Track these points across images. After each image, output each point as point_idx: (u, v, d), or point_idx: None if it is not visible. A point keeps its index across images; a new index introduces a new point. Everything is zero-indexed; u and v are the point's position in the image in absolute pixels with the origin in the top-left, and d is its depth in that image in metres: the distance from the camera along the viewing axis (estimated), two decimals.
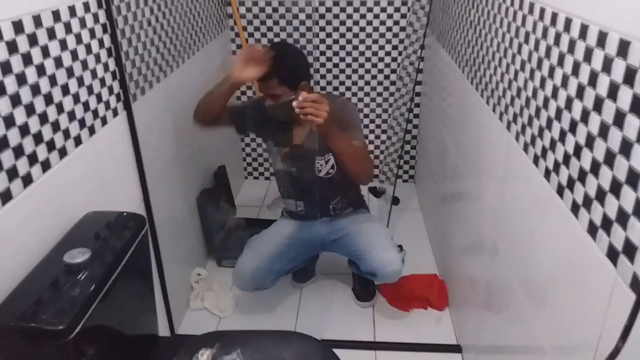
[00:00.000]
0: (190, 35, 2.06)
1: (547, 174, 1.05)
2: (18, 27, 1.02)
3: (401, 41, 2.58)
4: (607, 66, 0.83)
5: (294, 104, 1.47)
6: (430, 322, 1.95)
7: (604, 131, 0.83)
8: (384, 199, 2.66)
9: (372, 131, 2.82)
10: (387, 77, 2.68)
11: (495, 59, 1.41)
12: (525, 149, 1.18)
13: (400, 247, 1.86)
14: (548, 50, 1.05)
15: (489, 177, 1.50)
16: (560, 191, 0.99)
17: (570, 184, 0.95)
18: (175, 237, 1.91)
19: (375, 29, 2.57)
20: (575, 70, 0.94)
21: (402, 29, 2.56)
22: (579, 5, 0.93)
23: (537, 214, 1.13)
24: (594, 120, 0.86)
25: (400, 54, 2.61)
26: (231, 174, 2.55)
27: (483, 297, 1.54)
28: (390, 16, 2.53)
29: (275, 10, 2.56)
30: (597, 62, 0.86)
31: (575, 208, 0.93)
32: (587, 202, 0.88)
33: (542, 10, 1.10)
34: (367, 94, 2.73)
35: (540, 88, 1.10)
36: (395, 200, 2.54)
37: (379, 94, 2.73)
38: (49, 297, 0.98)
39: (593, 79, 0.87)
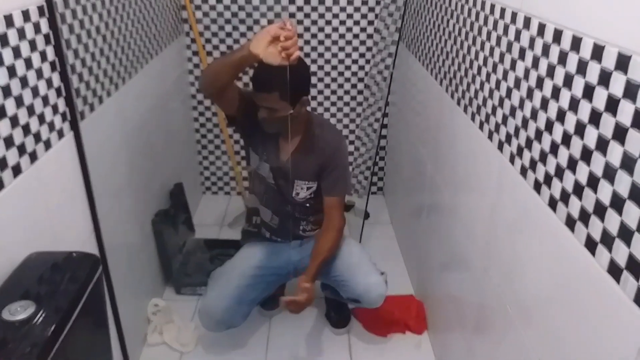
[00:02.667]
0: (144, 42, 1.88)
1: (537, 187, 1.01)
2: None
3: (369, 49, 2.49)
4: (604, 79, 0.78)
5: None
6: (409, 348, 1.86)
7: (602, 145, 0.80)
8: (353, 213, 2.56)
9: None
10: (354, 86, 2.58)
11: (482, 73, 1.33)
12: (512, 160, 1.14)
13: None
14: (536, 61, 1.00)
15: (470, 191, 1.43)
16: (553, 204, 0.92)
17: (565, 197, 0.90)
18: (129, 266, 1.73)
19: (342, 36, 2.47)
20: (568, 83, 0.89)
21: (370, 36, 2.46)
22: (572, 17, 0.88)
23: (529, 230, 1.07)
24: (591, 134, 0.82)
25: (367, 62, 2.52)
26: (188, 190, 2.38)
27: (470, 319, 1.46)
28: (357, 23, 2.44)
29: (234, 15, 2.41)
30: (593, 75, 0.82)
31: (570, 222, 0.89)
32: (584, 217, 0.84)
33: (528, 20, 1.05)
34: (333, 104, 2.62)
35: (528, 98, 1.06)
36: (365, 215, 2.44)
37: (346, 104, 2.62)
38: None
39: (588, 92, 0.83)
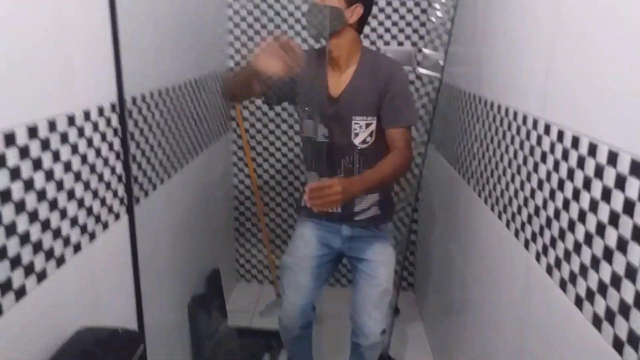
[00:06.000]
0: (196, 137, 2.06)
1: (563, 285, 1.04)
2: (32, 132, 0.99)
3: None
4: (620, 183, 0.85)
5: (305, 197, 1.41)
6: None
7: (622, 245, 0.84)
8: None
9: None
10: None
11: (507, 175, 1.40)
12: (538, 258, 1.17)
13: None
14: (571, 173, 1.05)
15: (499, 289, 1.45)
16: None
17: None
18: (164, 347, 1.76)
19: None
20: (587, 185, 0.95)
21: None
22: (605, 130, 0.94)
23: (558, 329, 1.07)
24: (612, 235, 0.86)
25: None
26: (223, 275, 2.44)
27: None
28: None
29: (277, 114, 2.62)
30: (610, 179, 0.88)
31: (597, 321, 0.90)
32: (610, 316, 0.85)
33: (548, 127, 1.13)
34: None
35: (551, 199, 1.12)
36: (395, 310, 2.43)
37: None
38: None
39: (606, 195, 0.89)
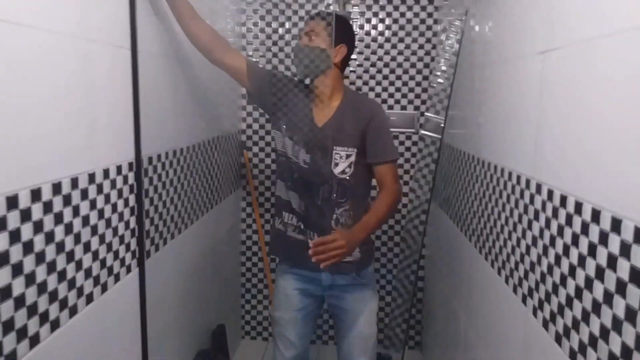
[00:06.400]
0: (207, 194, 2.14)
1: (558, 339, 1.03)
2: (57, 189, 1.07)
3: (404, 206, 2.69)
4: (603, 239, 0.91)
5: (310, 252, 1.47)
6: None
7: (608, 298, 0.88)
8: None
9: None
10: (390, 238, 2.74)
11: (505, 232, 1.46)
12: (535, 313, 1.20)
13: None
14: (561, 230, 1.10)
15: (501, 346, 1.45)
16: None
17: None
18: None
19: None
20: (575, 241, 1.01)
21: (405, 194, 2.69)
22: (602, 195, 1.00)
23: None
24: (598, 288, 0.89)
25: (404, 217, 2.71)
26: (228, 332, 2.45)
27: None
28: None
29: None
30: (594, 235, 0.94)
31: None
32: None
33: (539, 186, 1.20)
34: None
35: (544, 255, 1.17)
36: None
37: (383, 255, 2.75)
38: None
39: (592, 250, 0.95)
